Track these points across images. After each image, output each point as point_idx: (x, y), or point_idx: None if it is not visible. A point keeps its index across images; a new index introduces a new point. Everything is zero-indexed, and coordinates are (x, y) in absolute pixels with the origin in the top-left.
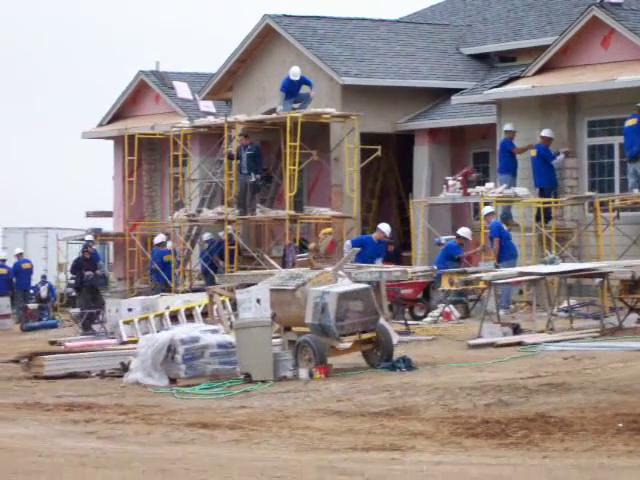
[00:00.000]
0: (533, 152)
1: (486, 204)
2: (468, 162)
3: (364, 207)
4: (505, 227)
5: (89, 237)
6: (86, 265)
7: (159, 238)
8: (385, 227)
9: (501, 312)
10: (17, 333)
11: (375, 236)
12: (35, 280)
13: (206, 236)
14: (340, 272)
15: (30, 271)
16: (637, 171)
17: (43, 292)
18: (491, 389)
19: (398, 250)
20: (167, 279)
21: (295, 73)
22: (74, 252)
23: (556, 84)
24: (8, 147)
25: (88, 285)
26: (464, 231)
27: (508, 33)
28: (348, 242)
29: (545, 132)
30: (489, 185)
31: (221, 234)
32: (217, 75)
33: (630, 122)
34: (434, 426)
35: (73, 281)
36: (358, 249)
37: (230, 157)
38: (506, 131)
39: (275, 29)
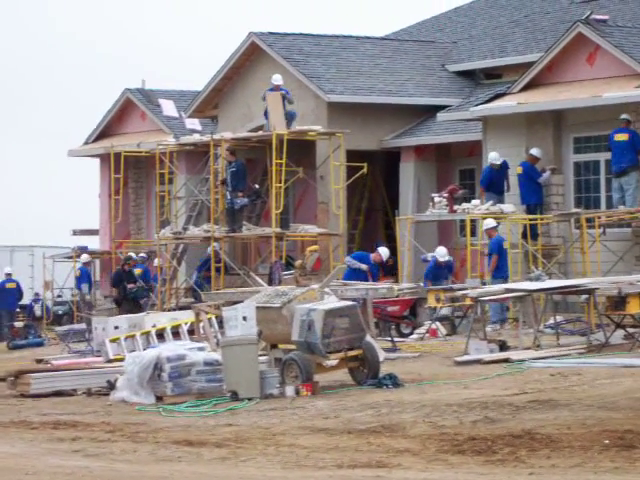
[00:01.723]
0: (519, 170)
1: (472, 220)
2: (454, 179)
3: (350, 224)
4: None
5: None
6: (126, 278)
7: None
8: (384, 251)
9: (495, 327)
10: (3, 351)
11: (373, 257)
12: (27, 298)
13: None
14: (326, 289)
15: (15, 290)
16: (623, 186)
17: (37, 310)
18: (477, 406)
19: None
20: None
21: (277, 78)
22: (60, 270)
23: (542, 101)
24: None
25: (132, 297)
26: (439, 252)
27: (494, 50)
28: (348, 257)
29: (534, 151)
30: (475, 202)
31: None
32: (203, 93)
33: (620, 137)
34: (420, 443)
35: (115, 294)
36: (344, 266)
37: (224, 183)
38: (491, 163)
39: (261, 47)
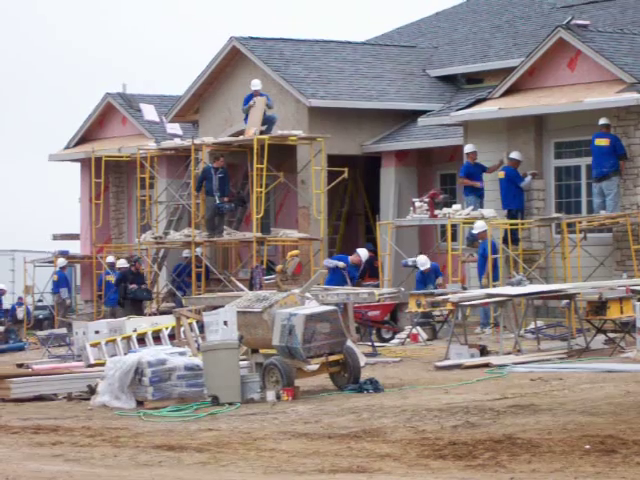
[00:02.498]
0: (501, 174)
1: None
2: (435, 184)
3: (331, 229)
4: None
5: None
6: (131, 279)
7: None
8: (363, 252)
9: (487, 329)
10: None
11: (351, 259)
12: (9, 303)
13: (186, 252)
14: (307, 294)
15: None
16: (604, 191)
17: (20, 314)
18: (458, 411)
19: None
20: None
21: (255, 84)
22: (41, 275)
23: (523, 106)
24: None
25: (132, 298)
26: (420, 261)
27: (475, 55)
28: (326, 259)
29: (514, 154)
30: (456, 207)
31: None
32: (184, 97)
33: (601, 142)
34: (401, 448)
35: (117, 294)
36: (325, 271)
37: (199, 190)
38: (467, 153)
39: (242, 51)
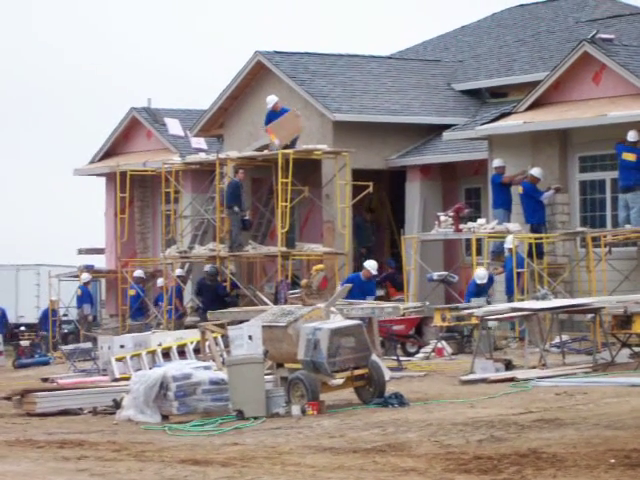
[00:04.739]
0: (520, 189)
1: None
2: (460, 198)
3: (356, 243)
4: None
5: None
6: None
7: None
8: (371, 264)
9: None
10: (9, 370)
11: (363, 274)
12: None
13: (208, 267)
14: (332, 308)
15: None
16: (629, 203)
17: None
18: (483, 425)
19: (394, 275)
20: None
21: (269, 100)
22: (66, 289)
23: (547, 120)
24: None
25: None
26: (479, 275)
27: (499, 69)
28: (339, 285)
29: (534, 171)
30: (481, 221)
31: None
32: (209, 112)
33: (628, 156)
34: (426, 462)
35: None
36: (350, 285)
37: (229, 206)
38: (496, 167)
39: (266, 66)
